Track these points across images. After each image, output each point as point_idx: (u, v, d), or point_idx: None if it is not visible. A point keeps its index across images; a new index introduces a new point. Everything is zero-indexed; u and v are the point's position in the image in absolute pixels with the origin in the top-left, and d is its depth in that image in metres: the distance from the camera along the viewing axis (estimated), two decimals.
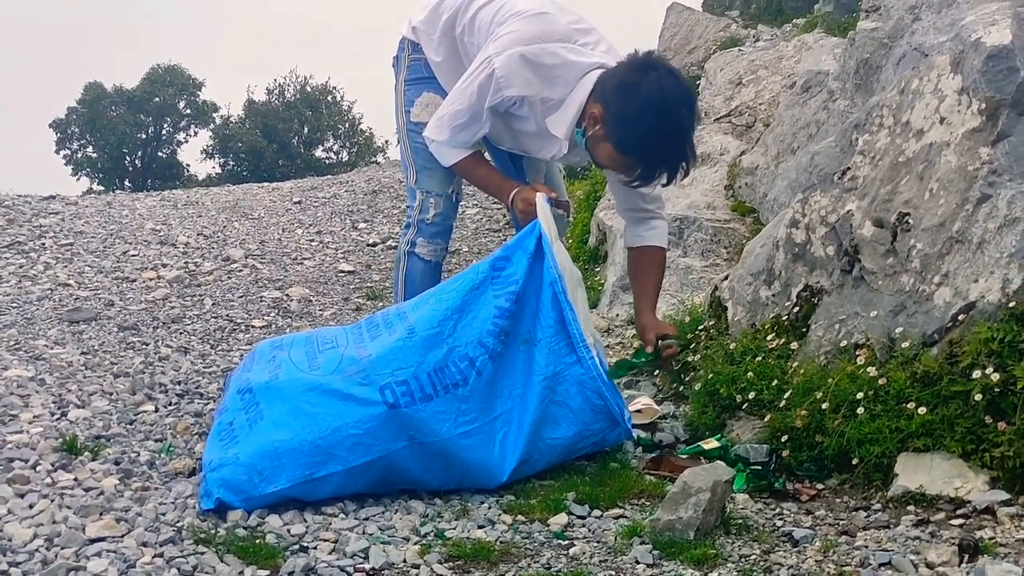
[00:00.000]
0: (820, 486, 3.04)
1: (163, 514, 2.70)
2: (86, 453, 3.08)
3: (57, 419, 3.40)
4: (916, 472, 2.82)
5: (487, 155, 3.89)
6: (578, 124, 3.23)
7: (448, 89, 3.47)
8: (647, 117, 3.02)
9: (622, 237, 5.57)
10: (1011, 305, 2.78)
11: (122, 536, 2.55)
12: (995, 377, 2.68)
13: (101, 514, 2.66)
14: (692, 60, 8.99)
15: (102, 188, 35.90)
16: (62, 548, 2.44)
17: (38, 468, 2.93)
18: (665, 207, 3.70)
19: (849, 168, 3.58)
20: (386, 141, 36.38)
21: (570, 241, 6.63)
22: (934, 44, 3.76)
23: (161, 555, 2.46)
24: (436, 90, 3.59)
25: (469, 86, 3.27)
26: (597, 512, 2.88)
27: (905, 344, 3.02)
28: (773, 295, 3.76)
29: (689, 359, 3.96)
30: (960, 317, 2.91)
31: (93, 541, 2.51)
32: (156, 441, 3.28)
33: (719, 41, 8.94)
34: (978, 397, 2.72)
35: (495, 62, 3.20)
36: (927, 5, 4.95)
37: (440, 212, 3.63)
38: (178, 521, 2.67)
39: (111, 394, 3.73)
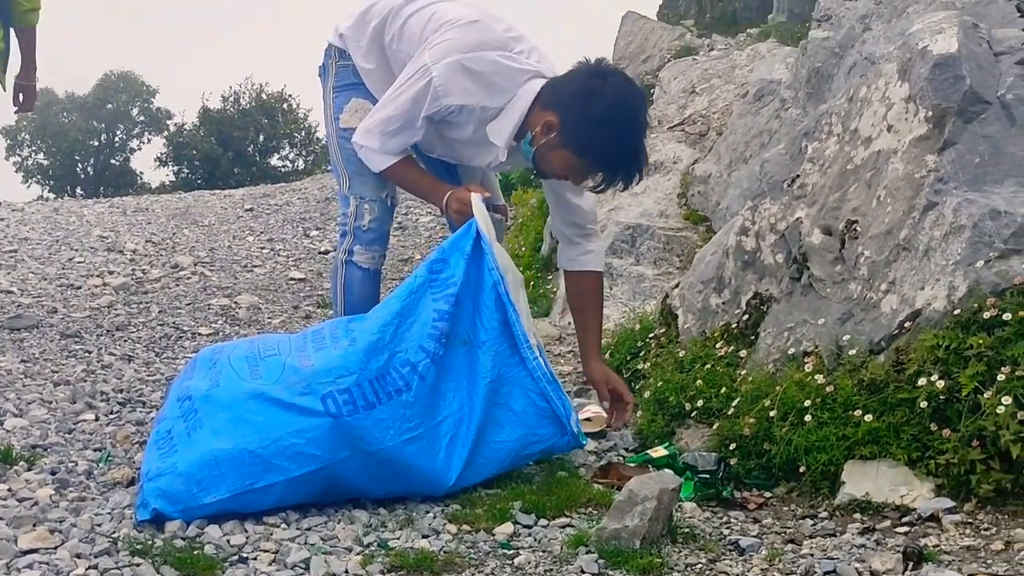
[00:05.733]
0: (768, 494, 3.03)
1: (99, 525, 2.63)
2: (21, 463, 3.01)
3: None
4: (862, 480, 2.82)
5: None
6: (521, 134, 3.22)
7: (378, 96, 3.43)
8: (613, 121, 3.06)
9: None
10: (956, 312, 2.78)
11: (55, 548, 2.47)
12: (940, 384, 2.68)
13: (35, 525, 2.58)
14: (647, 68, 9.01)
15: (53, 195, 35.41)
16: None
17: None
18: (596, 228, 3.74)
19: (798, 176, 3.58)
20: None
21: (523, 249, 6.61)
22: (883, 53, 3.78)
23: (95, 567, 2.39)
24: (365, 96, 3.54)
25: (403, 93, 3.23)
26: (543, 521, 2.84)
27: (852, 352, 3.02)
28: (723, 303, 3.75)
29: (639, 367, 3.94)
30: (906, 324, 2.91)
31: (25, 553, 2.43)
32: (95, 451, 3.21)
33: (673, 50, 8.97)
34: (923, 404, 2.72)
35: (433, 71, 3.16)
36: (877, 15, 5.00)
37: (375, 217, 3.57)
38: (114, 532, 2.60)
39: (50, 403, 3.65)
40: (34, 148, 39.91)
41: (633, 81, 3.27)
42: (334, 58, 3.63)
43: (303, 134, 37.09)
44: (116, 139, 40.92)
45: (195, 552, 2.52)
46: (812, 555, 2.52)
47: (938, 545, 2.45)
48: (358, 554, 2.58)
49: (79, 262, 6.37)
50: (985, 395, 2.60)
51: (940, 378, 2.70)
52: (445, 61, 3.15)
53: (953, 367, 2.71)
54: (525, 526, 2.81)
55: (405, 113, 3.24)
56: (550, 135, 3.14)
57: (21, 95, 5.04)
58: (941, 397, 2.70)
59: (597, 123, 3.06)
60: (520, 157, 3.30)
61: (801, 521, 2.80)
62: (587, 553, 2.56)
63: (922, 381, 2.73)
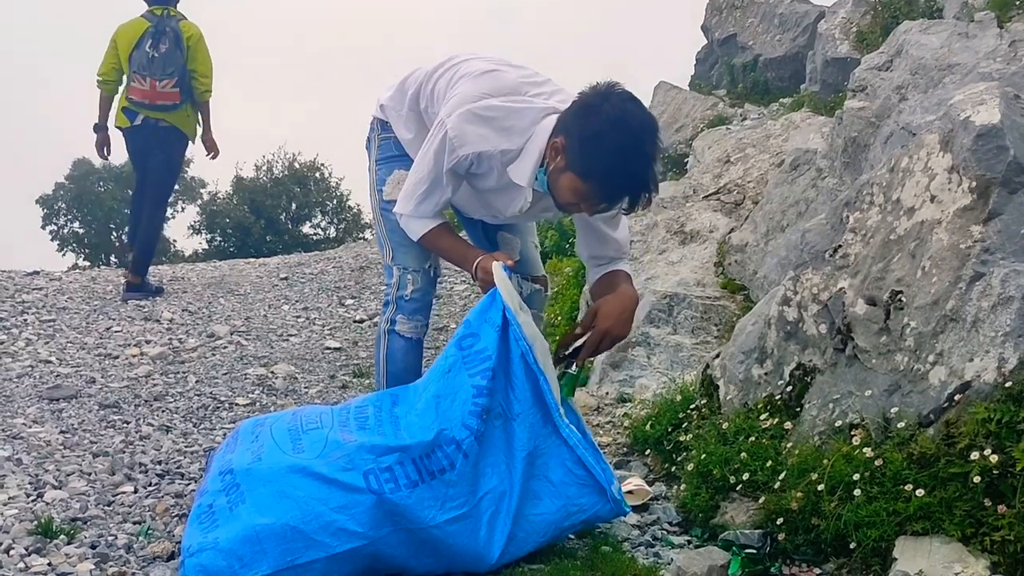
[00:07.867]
0: (817, 570, 2.96)
1: None
2: (62, 536, 3.00)
3: (33, 500, 3.31)
4: (915, 556, 2.75)
5: (463, 229, 3.84)
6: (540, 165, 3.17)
7: None
8: (609, 136, 2.94)
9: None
10: (1008, 385, 2.73)
11: None
12: (994, 459, 2.63)
13: None
14: (680, 138, 9.05)
15: (88, 264, 35.78)
16: None
17: (11, 552, 2.85)
18: (628, 252, 3.60)
19: (840, 246, 3.56)
20: None
21: (560, 318, 6.59)
22: (922, 123, 3.78)
23: None
24: (406, 167, 3.54)
25: (426, 153, 3.24)
26: None
27: (901, 424, 2.97)
28: (766, 374, 3.71)
29: (681, 439, 3.89)
30: (956, 397, 2.86)
31: None
32: (134, 523, 3.20)
33: (706, 119, 9.02)
34: (977, 479, 2.66)
35: (447, 124, 3.16)
36: (913, 85, 5.01)
37: (418, 288, 3.57)
38: None
39: (89, 474, 3.64)
40: (70, 217, 40.42)
41: (640, 103, 3.11)
42: (377, 131, 3.67)
43: (335, 202, 37.38)
44: None
45: None
46: None
47: None
48: None
49: (116, 331, 6.40)
50: None
51: (993, 452, 2.64)
52: (456, 112, 3.15)
53: (1006, 441, 2.66)
54: None
55: (430, 172, 3.24)
56: (557, 159, 3.06)
57: (207, 146, 8.07)
58: (995, 472, 2.64)
59: (593, 139, 2.96)
60: (549, 200, 3.25)
61: None
62: None
63: (975, 455, 2.68)
